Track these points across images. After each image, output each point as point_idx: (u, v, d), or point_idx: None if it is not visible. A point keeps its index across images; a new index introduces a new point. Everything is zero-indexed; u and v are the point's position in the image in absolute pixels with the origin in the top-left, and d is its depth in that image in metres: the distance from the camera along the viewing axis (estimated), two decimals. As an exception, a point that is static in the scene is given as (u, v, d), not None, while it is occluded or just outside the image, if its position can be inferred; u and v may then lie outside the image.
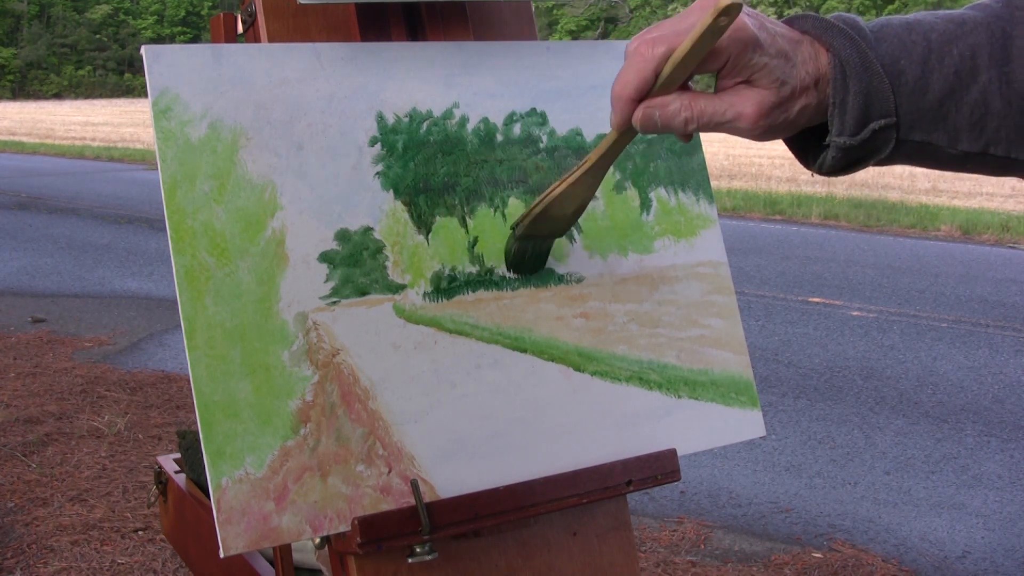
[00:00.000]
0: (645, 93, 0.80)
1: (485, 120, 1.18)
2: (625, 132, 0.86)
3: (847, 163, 0.82)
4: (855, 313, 6.82)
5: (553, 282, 1.17)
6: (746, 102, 0.78)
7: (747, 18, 0.77)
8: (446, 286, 1.11)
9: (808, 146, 0.86)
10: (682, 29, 0.77)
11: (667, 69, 0.78)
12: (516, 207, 1.17)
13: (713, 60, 0.77)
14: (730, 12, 0.72)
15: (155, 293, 7.06)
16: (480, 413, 1.10)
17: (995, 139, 0.79)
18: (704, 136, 1.33)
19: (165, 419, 4.37)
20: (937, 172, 17.54)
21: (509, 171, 1.18)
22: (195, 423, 0.97)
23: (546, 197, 1.03)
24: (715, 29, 0.74)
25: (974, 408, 4.86)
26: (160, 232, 9.22)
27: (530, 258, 1.13)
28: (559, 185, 1.00)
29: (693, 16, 0.76)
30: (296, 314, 1.03)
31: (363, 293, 1.07)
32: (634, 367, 1.19)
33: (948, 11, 0.83)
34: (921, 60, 0.79)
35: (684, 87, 0.80)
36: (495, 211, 1.16)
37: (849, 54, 0.78)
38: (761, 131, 0.79)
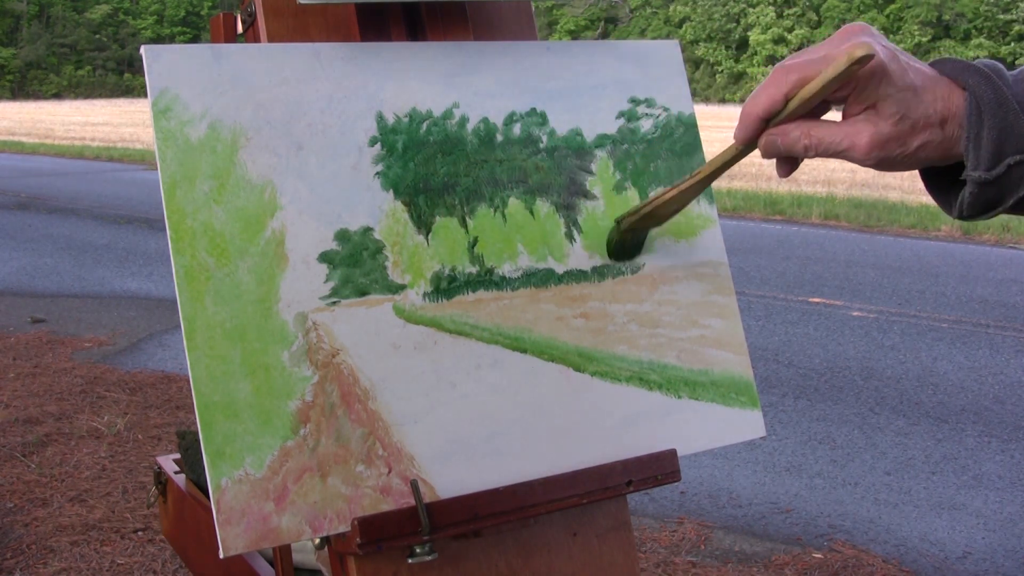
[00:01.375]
0: (772, 115, 0.84)
1: (485, 120, 1.17)
2: (745, 148, 0.90)
3: (985, 203, 0.82)
4: (855, 313, 6.82)
5: (553, 282, 1.17)
6: (861, 133, 0.80)
7: (879, 48, 0.79)
8: (446, 286, 1.11)
9: (948, 189, 0.87)
10: (816, 60, 0.81)
11: (794, 103, 0.82)
12: (516, 207, 1.17)
13: (841, 88, 0.81)
14: (862, 62, 0.77)
15: (155, 293, 7.06)
16: (480, 413, 1.10)
17: None
18: (704, 136, 1.33)
19: (165, 419, 4.37)
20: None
21: (509, 171, 1.18)
22: (195, 423, 0.97)
23: (656, 199, 1.10)
24: (847, 73, 0.78)
25: (974, 408, 4.86)
26: (160, 232, 9.22)
27: (630, 246, 1.21)
28: (670, 190, 1.07)
29: (827, 51, 0.80)
30: (296, 314, 1.03)
31: (363, 293, 1.07)
32: (634, 367, 1.19)
33: None
34: None
35: (806, 115, 0.84)
36: (495, 211, 1.16)
37: (984, 91, 0.79)
38: (874, 162, 0.81)
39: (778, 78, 0.83)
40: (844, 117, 0.83)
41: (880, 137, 0.80)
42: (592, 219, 1.21)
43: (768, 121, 0.85)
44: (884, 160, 0.81)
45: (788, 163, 0.88)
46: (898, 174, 16.78)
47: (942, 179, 0.87)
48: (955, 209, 0.85)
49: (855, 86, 0.80)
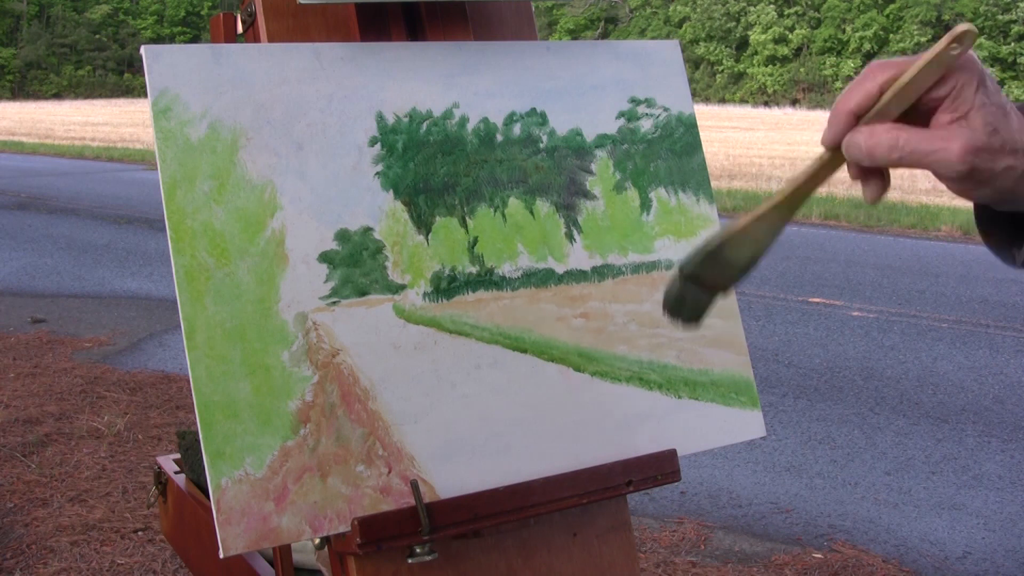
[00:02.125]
0: (865, 110, 0.78)
1: (485, 120, 1.17)
2: (832, 157, 0.81)
3: None
4: (855, 313, 6.82)
5: (553, 282, 1.17)
6: (954, 139, 0.75)
7: (976, 59, 0.76)
8: (446, 286, 1.11)
9: (1012, 240, 0.84)
10: (912, 58, 0.76)
11: (889, 95, 0.77)
12: (516, 207, 1.17)
13: (939, 87, 0.76)
14: (964, 40, 0.73)
15: (155, 293, 7.06)
16: (480, 413, 1.09)
17: None
18: (704, 136, 1.33)
19: (165, 419, 4.37)
20: (937, 172, 17.51)
21: (509, 171, 1.18)
22: (195, 423, 0.97)
23: (725, 232, 0.86)
24: (946, 57, 0.74)
25: (974, 408, 4.86)
26: (160, 232, 9.21)
27: (689, 306, 0.92)
28: (743, 219, 0.87)
29: (928, 52, 0.76)
30: (296, 314, 1.03)
31: (363, 293, 1.06)
32: (634, 367, 1.19)
33: None
34: None
35: (897, 120, 0.78)
36: (495, 211, 1.16)
37: None
38: (964, 170, 0.75)
39: (872, 72, 0.78)
40: (933, 128, 0.77)
41: (974, 144, 0.74)
42: (592, 219, 1.21)
43: (860, 119, 0.78)
44: (973, 172, 0.75)
45: (875, 181, 0.80)
46: (898, 174, 16.77)
47: (1003, 231, 0.83)
48: (1021, 255, 0.81)
49: (952, 90, 0.75)
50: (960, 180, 0.76)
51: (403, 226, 1.10)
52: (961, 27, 0.73)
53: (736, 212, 12.15)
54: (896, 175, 16.60)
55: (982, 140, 0.75)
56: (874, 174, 0.80)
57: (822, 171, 0.82)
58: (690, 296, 0.91)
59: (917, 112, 0.78)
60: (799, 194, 0.84)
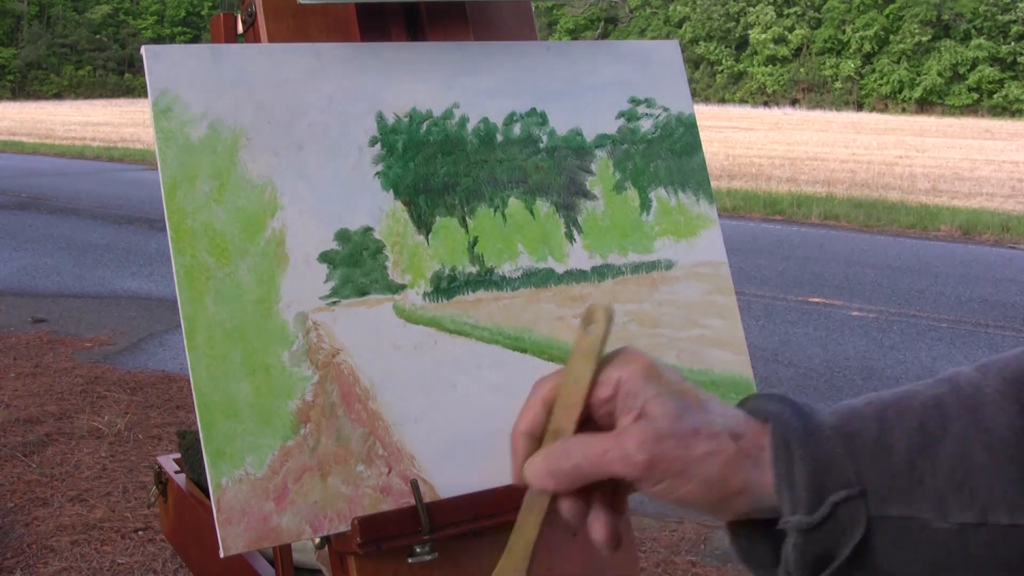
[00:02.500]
0: (538, 431, 0.71)
1: (485, 120, 1.18)
2: (533, 497, 0.71)
3: (816, 558, 0.64)
4: (855, 313, 6.82)
5: (553, 282, 1.17)
6: (630, 433, 0.65)
7: (642, 354, 0.69)
8: (446, 286, 1.11)
9: (771, 552, 0.68)
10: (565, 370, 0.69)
11: (556, 407, 0.69)
12: (516, 207, 1.17)
13: (602, 387, 0.68)
14: (594, 318, 0.68)
15: (155, 293, 7.06)
16: (480, 413, 1.10)
17: (991, 503, 0.62)
18: (704, 136, 1.33)
19: (165, 419, 4.37)
20: (937, 171, 17.59)
21: (509, 171, 1.18)
22: (195, 423, 0.97)
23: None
24: (586, 343, 0.68)
25: (974, 408, 4.85)
26: (160, 232, 9.21)
27: None
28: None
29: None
30: (296, 314, 1.03)
31: (363, 293, 1.07)
32: (634, 367, 1.19)
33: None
34: (876, 417, 0.65)
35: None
36: (495, 211, 1.16)
37: (789, 417, 0.66)
38: (645, 459, 0.64)
39: (535, 388, 0.72)
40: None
41: (654, 432, 0.64)
42: (592, 219, 1.21)
43: (540, 440, 0.70)
44: (660, 463, 0.64)
45: (601, 518, 0.69)
46: (898, 174, 16.78)
47: (759, 543, 0.69)
48: (780, 573, 0.66)
49: (616, 390, 0.68)
50: (649, 473, 0.65)
51: (403, 226, 1.11)
52: (590, 306, 0.67)
53: (736, 212, 12.16)
54: (896, 175, 16.60)
55: (665, 427, 0.65)
56: (596, 507, 0.70)
57: (531, 517, 0.71)
58: None
59: (603, 427, 0.69)
60: (517, 559, 0.73)
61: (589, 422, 0.69)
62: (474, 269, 1.13)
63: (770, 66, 57.19)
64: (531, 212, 1.18)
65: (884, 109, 51.95)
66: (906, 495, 0.64)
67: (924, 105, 51.91)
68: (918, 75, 51.90)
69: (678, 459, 0.65)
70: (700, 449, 0.65)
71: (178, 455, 1.61)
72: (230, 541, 0.95)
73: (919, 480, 0.64)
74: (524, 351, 1.13)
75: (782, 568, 0.66)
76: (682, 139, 1.29)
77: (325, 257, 1.06)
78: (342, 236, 1.07)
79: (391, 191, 1.10)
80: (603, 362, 0.68)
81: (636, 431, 0.65)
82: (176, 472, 1.59)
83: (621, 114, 1.26)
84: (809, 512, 0.63)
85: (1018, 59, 49.83)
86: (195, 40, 51.40)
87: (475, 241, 1.14)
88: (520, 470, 0.71)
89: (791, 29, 56.85)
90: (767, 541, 0.68)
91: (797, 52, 57.27)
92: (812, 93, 56.12)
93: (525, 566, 0.71)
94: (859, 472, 0.64)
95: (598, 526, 0.69)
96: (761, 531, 0.68)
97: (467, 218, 1.14)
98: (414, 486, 1.03)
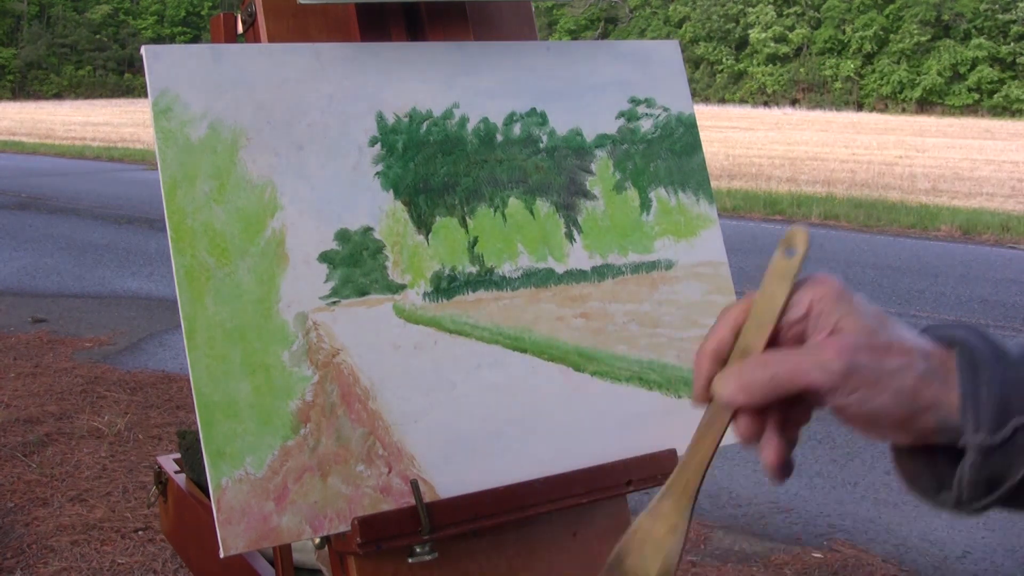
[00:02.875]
0: (724, 352, 0.72)
1: (485, 120, 1.18)
2: (713, 414, 0.73)
3: (989, 479, 0.68)
4: (855, 313, 6.81)
5: (553, 282, 1.17)
6: (827, 346, 0.68)
7: (834, 278, 0.71)
8: (446, 286, 1.11)
9: (938, 481, 0.73)
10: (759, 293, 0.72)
11: (746, 327, 0.71)
12: (516, 207, 1.17)
13: (795, 307, 0.70)
14: (794, 242, 0.70)
15: (155, 293, 7.06)
16: (480, 413, 1.10)
17: None
18: (704, 136, 1.33)
19: (165, 419, 4.37)
20: (937, 171, 17.59)
21: (509, 171, 1.18)
22: (195, 423, 0.97)
23: (621, 542, 0.80)
24: (783, 266, 0.70)
25: (974, 408, 4.85)
26: (160, 232, 9.21)
27: None
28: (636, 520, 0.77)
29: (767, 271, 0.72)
30: (296, 314, 1.03)
31: (363, 293, 1.07)
32: (634, 367, 1.19)
33: None
34: None
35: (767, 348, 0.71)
36: (495, 211, 1.16)
37: (976, 342, 0.69)
38: (843, 368, 0.67)
39: (721, 316, 0.73)
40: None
41: (849, 344, 0.67)
42: (592, 219, 1.21)
43: (724, 362, 0.72)
44: (854, 373, 0.67)
45: (772, 441, 0.72)
46: (897, 174, 16.78)
47: (925, 470, 0.73)
48: (952, 494, 0.69)
49: (809, 311, 0.70)
50: (845, 382, 0.67)
51: (403, 226, 1.11)
52: (792, 230, 0.69)
53: (736, 212, 12.15)
54: (896, 175, 16.60)
55: (861, 340, 0.68)
56: (770, 430, 0.72)
57: (709, 434, 0.73)
58: None
59: (786, 345, 0.71)
60: (690, 474, 0.74)
61: (774, 344, 0.72)
62: (474, 269, 1.13)
63: (770, 66, 57.19)
64: (531, 212, 1.18)
65: (884, 109, 51.93)
66: None
67: (924, 105, 51.91)
68: (918, 75, 51.88)
69: (873, 370, 0.67)
70: (894, 362, 0.68)
71: (178, 455, 1.61)
72: (230, 541, 0.95)
73: None
74: (524, 351, 1.13)
75: (954, 487, 0.69)
76: (682, 139, 1.29)
77: (325, 257, 1.06)
78: (342, 236, 1.07)
79: (391, 191, 1.10)
80: (794, 286, 0.71)
81: (833, 342, 0.68)
82: (176, 472, 1.59)
83: (621, 114, 1.26)
84: (991, 432, 0.66)
85: (1018, 59, 49.83)
86: (195, 40, 51.39)
87: (475, 241, 1.14)
88: (704, 389, 0.73)
89: (791, 29, 56.85)
90: (932, 467, 0.71)
91: (797, 52, 57.26)
92: (812, 93, 56.10)
93: (696, 483, 0.74)
94: None
95: (770, 449, 0.73)
96: (927, 458, 0.71)
97: (467, 218, 1.14)
98: (414, 486, 1.03)
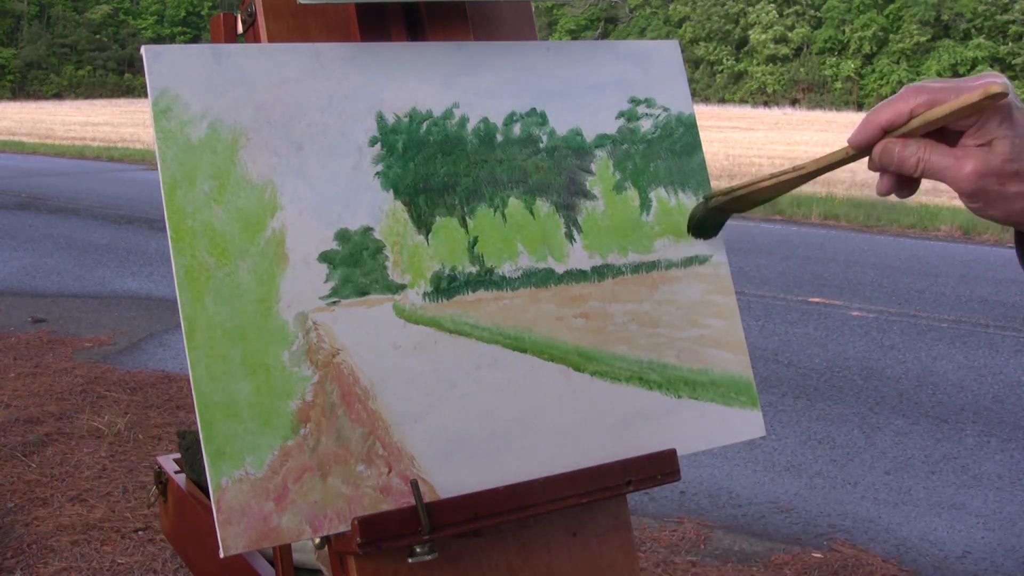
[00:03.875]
0: (893, 127, 0.88)
1: (485, 120, 1.18)
2: (856, 153, 0.93)
3: None
4: (855, 313, 6.82)
5: (553, 282, 1.17)
6: (968, 162, 0.83)
7: (1011, 94, 0.83)
8: (446, 286, 1.11)
9: None
10: (949, 88, 0.85)
11: (918, 121, 0.85)
12: (516, 207, 1.17)
13: (966, 119, 0.83)
14: (996, 99, 0.81)
15: (155, 293, 7.06)
16: (480, 413, 1.10)
17: None
18: (704, 136, 1.33)
19: (165, 419, 4.37)
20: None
21: (509, 171, 1.18)
22: (195, 423, 0.97)
23: (753, 184, 1.10)
24: (978, 106, 0.82)
25: (974, 408, 4.86)
26: (160, 232, 9.22)
27: (710, 226, 1.24)
28: (768, 179, 1.07)
29: (960, 84, 0.84)
30: (296, 314, 1.03)
31: (363, 293, 1.07)
32: (634, 367, 1.19)
33: None
34: None
35: (924, 137, 0.87)
36: (495, 211, 1.16)
37: None
38: (971, 189, 0.83)
39: (907, 94, 0.86)
40: (958, 148, 0.85)
41: (986, 168, 0.82)
42: (592, 219, 1.21)
43: (887, 132, 0.88)
44: (980, 193, 0.83)
45: (904, 185, 0.90)
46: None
47: None
48: None
49: (978, 120, 0.83)
50: (969, 197, 0.84)
51: (403, 226, 1.11)
52: (996, 88, 0.80)
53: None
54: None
55: (996, 165, 0.82)
56: (906, 182, 0.90)
57: (846, 159, 0.95)
58: (710, 220, 1.22)
59: (945, 131, 0.86)
60: (819, 172, 1.00)
61: (941, 132, 0.86)
62: (474, 269, 1.13)
63: (770, 66, 57.17)
64: (531, 212, 1.18)
65: (884, 109, 51.70)
66: None
67: (924, 105, 51.67)
68: (917, 75, 51.84)
69: (995, 193, 0.83)
70: (1014, 188, 0.82)
71: (178, 455, 1.61)
72: (230, 541, 0.95)
73: None
74: (524, 351, 1.13)
75: None
76: (682, 139, 1.29)
77: (325, 257, 1.06)
78: (342, 236, 1.07)
79: (391, 191, 1.10)
80: (983, 103, 0.83)
81: (973, 161, 0.83)
82: (176, 472, 1.59)
83: (621, 114, 1.26)
84: None
85: (1016, 59, 49.81)
86: (195, 40, 51.40)
87: (475, 241, 1.14)
88: (860, 144, 0.91)
89: (791, 29, 56.83)
90: None
91: (797, 52, 57.24)
92: (812, 93, 56.09)
93: (808, 180, 1.03)
94: None
95: (903, 192, 0.91)
96: None
97: (467, 218, 1.14)
98: (414, 486, 1.03)
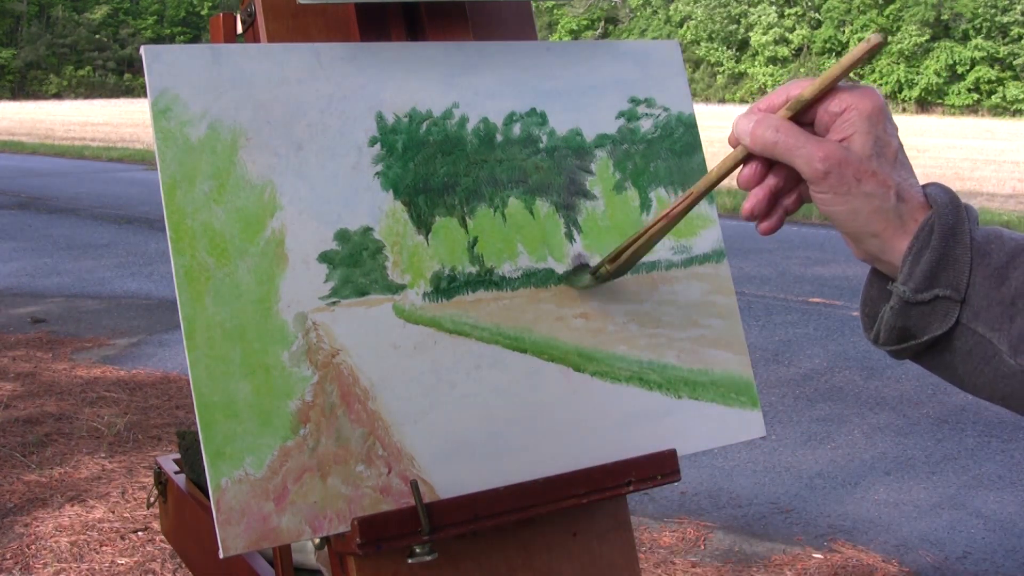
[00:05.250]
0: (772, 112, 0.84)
1: (485, 120, 1.17)
2: (735, 152, 0.87)
3: (903, 330, 0.80)
4: (855, 313, 6.82)
5: (553, 282, 1.17)
6: (827, 146, 0.79)
7: (879, 97, 0.81)
8: (446, 286, 1.11)
9: (873, 313, 0.85)
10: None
11: (792, 102, 0.82)
12: (516, 207, 1.17)
13: (834, 101, 0.81)
14: (877, 48, 0.78)
15: (155, 293, 7.06)
16: (480, 413, 1.10)
17: None
18: (704, 136, 1.33)
19: (165, 419, 4.37)
20: (938, 171, 17.55)
21: (509, 171, 1.18)
22: (195, 423, 0.97)
23: (643, 236, 1.02)
24: (859, 57, 0.79)
25: (974, 408, 4.86)
26: (160, 232, 9.22)
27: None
28: (659, 221, 0.99)
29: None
30: (296, 314, 1.03)
31: (363, 293, 1.06)
32: (634, 367, 1.19)
33: None
34: (1010, 253, 0.77)
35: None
36: (495, 211, 1.16)
37: (947, 216, 0.77)
38: (823, 170, 0.78)
39: (789, 84, 0.85)
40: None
41: (840, 156, 0.78)
42: (592, 219, 1.21)
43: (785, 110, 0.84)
44: (831, 179, 0.78)
45: (756, 199, 0.85)
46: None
47: (870, 302, 0.85)
48: (872, 331, 0.83)
49: (844, 111, 0.80)
50: (818, 183, 0.79)
51: (403, 226, 1.10)
52: (876, 37, 0.78)
53: (736, 212, 12.15)
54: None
55: (853, 157, 0.78)
56: (762, 187, 0.84)
57: (725, 162, 0.88)
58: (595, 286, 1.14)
59: (815, 130, 0.82)
60: (706, 192, 0.94)
61: (806, 125, 0.83)
62: (474, 269, 1.13)
63: (771, 66, 57.18)
64: (531, 212, 1.18)
65: (884, 109, 51.75)
66: (995, 322, 0.76)
67: (924, 105, 51.90)
68: (917, 75, 51.88)
69: (846, 184, 0.78)
70: (867, 187, 0.78)
71: (178, 455, 1.61)
72: (230, 542, 0.95)
73: (1012, 318, 0.75)
74: (524, 351, 1.13)
75: (875, 324, 0.82)
76: (682, 139, 1.29)
77: (325, 257, 1.05)
78: (342, 236, 1.07)
79: (391, 191, 1.10)
80: (849, 85, 0.82)
81: (831, 146, 0.79)
82: (176, 472, 1.59)
83: (621, 114, 1.26)
84: (915, 292, 0.77)
85: (1016, 59, 49.81)
86: (195, 40, 51.40)
87: (475, 241, 1.14)
88: (736, 135, 0.85)
89: (792, 29, 56.84)
90: (876, 303, 0.84)
91: (798, 52, 57.25)
92: (812, 93, 55.94)
93: (697, 198, 0.94)
94: (969, 284, 0.76)
95: (752, 198, 0.85)
96: (878, 292, 0.83)
97: (467, 218, 1.14)
98: (414, 486, 1.03)
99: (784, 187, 0.85)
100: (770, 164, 0.84)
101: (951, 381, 0.83)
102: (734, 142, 0.85)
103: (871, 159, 0.78)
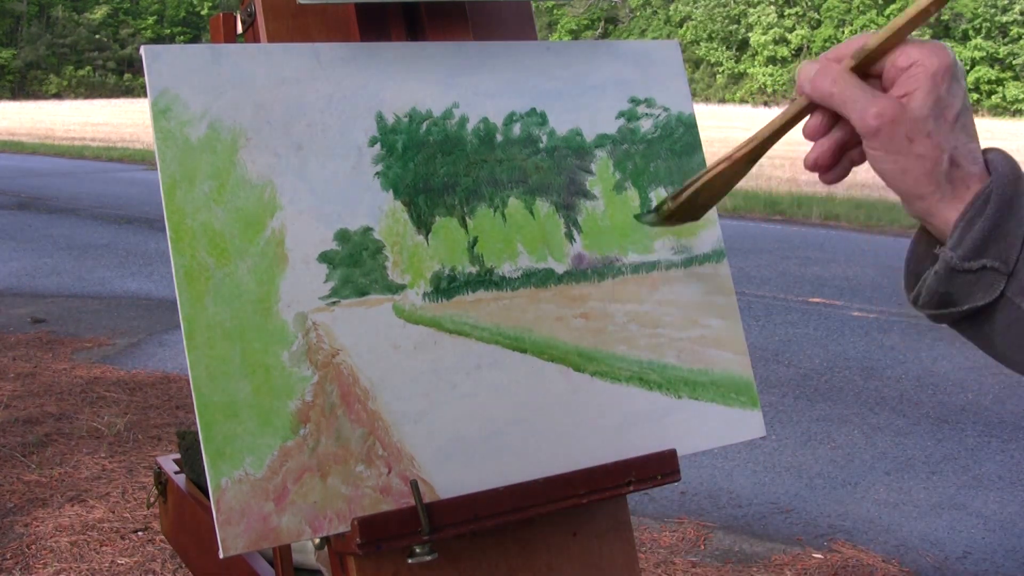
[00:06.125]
0: (855, 54, 0.81)
1: (485, 120, 1.17)
2: (798, 101, 0.85)
3: (945, 296, 0.78)
4: (855, 313, 6.82)
5: (553, 282, 1.17)
6: (881, 101, 0.76)
7: (950, 55, 0.77)
8: (446, 286, 1.11)
9: (917, 271, 0.84)
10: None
11: (874, 40, 0.79)
12: (516, 207, 1.17)
13: (902, 57, 0.77)
14: (940, 2, 0.76)
15: (155, 293, 7.06)
16: (480, 413, 1.10)
17: None
18: (704, 136, 1.33)
19: (165, 419, 4.37)
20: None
21: (509, 171, 1.18)
22: (195, 423, 0.97)
23: (704, 173, 0.96)
24: (925, 7, 0.76)
25: (975, 408, 4.86)
26: (160, 232, 9.22)
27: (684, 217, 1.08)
28: (722, 162, 0.94)
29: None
30: (296, 314, 1.03)
31: (363, 293, 1.06)
32: (634, 367, 1.19)
33: None
34: None
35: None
36: (495, 211, 1.16)
37: (1005, 188, 0.75)
38: (875, 126, 0.76)
39: (861, 36, 0.82)
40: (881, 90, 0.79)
41: (894, 113, 0.75)
42: (592, 219, 1.21)
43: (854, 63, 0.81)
44: (883, 136, 0.76)
45: (820, 151, 0.83)
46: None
47: (916, 259, 0.84)
48: (913, 294, 0.82)
49: (910, 66, 0.77)
50: (871, 137, 0.77)
51: (403, 226, 1.10)
52: None
53: (736, 212, 12.16)
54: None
55: (908, 115, 0.76)
56: (827, 138, 0.83)
57: (789, 109, 0.87)
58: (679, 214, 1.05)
59: (880, 82, 0.80)
60: (771, 140, 0.90)
61: (873, 78, 0.80)
62: (474, 269, 1.13)
63: (770, 66, 57.18)
64: (531, 212, 1.18)
65: (884, 109, 51.75)
66: None
67: (924, 105, 51.73)
68: (918, 75, 51.71)
69: (897, 143, 0.76)
70: (919, 148, 0.76)
71: (178, 455, 1.61)
72: (230, 542, 0.95)
73: None
74: (524, 351, 1.13)
75: (917, 285, 0.81)
76: (682, 139, 1.29)
77: (325, 257, 1.05)
78: (342, 236, 1.07)
79: (391, 191, 1.10)
80: (920, 40, 0.78)
81: (886, 103, 0.76)
82: (176, 472, 1.59)
83: (621, 114, 1.26)
84: (963, 259, 0.75)
85: (1016, 60, 49.82)
86: (195, 40, 51.40)
87: (475, 241, 1.14)
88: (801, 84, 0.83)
89: (791, 29, 56.84)
90: (920, 262, 0.83)
91: (797, 52, 57.24)
92: (812, 93, 55.93)
93: (761, 143, 0.90)
94: (1019, 259, 0.75)
95: (816, 149, 0.83)
96: (928, 245, 0.82)
97: (467, 218, 1.14)
98: (414, 486, 1.03)
99: (851, 140, 0.83)
100: (836, 116, 0.82)
101: (987, 351, 0.81)
102: (800, 90, 0.83)
103: (927, 120, 0.76)
